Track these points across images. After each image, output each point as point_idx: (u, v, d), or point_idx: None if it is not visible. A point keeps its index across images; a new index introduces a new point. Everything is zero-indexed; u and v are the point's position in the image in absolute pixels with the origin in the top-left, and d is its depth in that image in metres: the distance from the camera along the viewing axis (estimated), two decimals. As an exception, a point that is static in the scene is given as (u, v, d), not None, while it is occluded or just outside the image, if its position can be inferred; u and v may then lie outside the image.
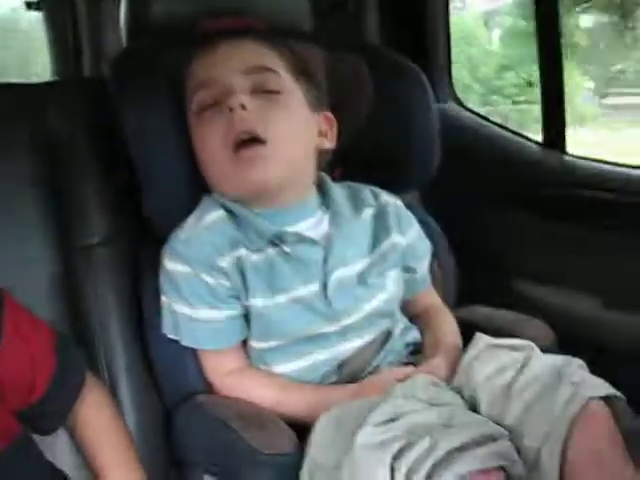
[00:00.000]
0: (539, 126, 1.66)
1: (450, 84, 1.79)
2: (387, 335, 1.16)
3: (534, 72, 1.67)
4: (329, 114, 1.21)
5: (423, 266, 1.28)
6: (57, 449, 1.06)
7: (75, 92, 1.31)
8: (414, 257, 1.25)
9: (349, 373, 1.12)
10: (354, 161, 1.27)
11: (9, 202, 1.17)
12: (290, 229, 1.12)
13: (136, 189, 1.16)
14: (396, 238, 1.20)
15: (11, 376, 0.96)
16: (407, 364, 1.15)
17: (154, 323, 1.14)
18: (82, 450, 1.06)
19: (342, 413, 0.98)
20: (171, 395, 1.15)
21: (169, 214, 1.16)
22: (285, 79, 1.13)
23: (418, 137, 1.32)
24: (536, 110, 1.70)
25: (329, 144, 1.20)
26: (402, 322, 1.21)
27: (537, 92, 1.66)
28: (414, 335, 1.21)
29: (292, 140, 1.11)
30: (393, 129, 1.31)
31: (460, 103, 1.80)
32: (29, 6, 2.53)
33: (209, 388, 1.13)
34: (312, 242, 1.13)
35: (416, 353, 1.20)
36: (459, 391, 1.05)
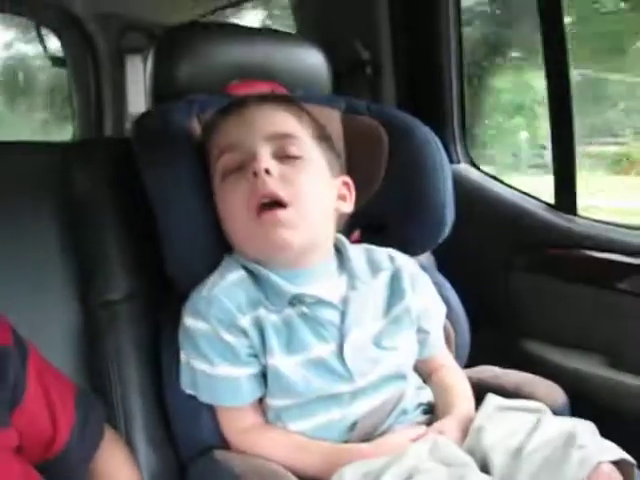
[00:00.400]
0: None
1: (464, 145, 1.82)
2: (400, 396, 1.16)
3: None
4: (347, 179, 1.24)
5: (437, 328, 1.29)
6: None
7: (99, 152, 1.34)
8: (428, 319, 1.26)
9: (362, 433, 1.12)
10: (370, 222, 1.30)
11: (33, 256, 1.21)
12: (309, 291, 1.14)
13: (158, 248, 1.18)
14: (410, 301, 1.21)
15: (32, 429, 0.99)
16: (420, 424, 1.16)
17: (172, 379, 1.16)
18: None
19: (355, 472, 0.99)
20: (187, 449, 1.16)
21: (191, 273, 1.18)
22: (306, 144, 1.16)
23: (432, 198, 1.33)
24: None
25: (348, 208, 1.23)
26: (415, 382, 1.22)
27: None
28: (427, 396, 1.22)
29: (313, 203, 1.14)
30: (408, 190, 1.33)
31: (473, 164, 1.82)
32: (54, 62, 2.61)
33: (225, 443, 1.14)
34: (330, 304, 1.15)
35: (428, 413, 1.20)
36: (471, 452, 1.05)
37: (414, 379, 1.22)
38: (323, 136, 1.21)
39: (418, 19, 1.73)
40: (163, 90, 1.36)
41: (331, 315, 1.14)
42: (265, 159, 1.11)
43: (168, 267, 1.19)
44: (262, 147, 1.12)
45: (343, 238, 1.25)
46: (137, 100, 2.44)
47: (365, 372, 1.13)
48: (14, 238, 1.21)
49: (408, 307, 1.21)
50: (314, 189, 1.14)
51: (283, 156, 1.13)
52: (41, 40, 2.58)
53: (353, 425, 1.12)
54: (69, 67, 2.61)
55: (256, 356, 1.11)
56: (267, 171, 1.10)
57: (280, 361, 1.10)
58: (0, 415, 0.94)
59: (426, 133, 1.37)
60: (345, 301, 1.16)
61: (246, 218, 1.11)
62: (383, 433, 1.13)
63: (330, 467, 1.03)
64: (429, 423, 1.16)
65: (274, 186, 1.10)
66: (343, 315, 1.14)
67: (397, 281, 1.23)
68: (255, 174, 1.10)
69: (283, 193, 1.10)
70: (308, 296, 1.13)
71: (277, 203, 1.10)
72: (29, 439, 0.98)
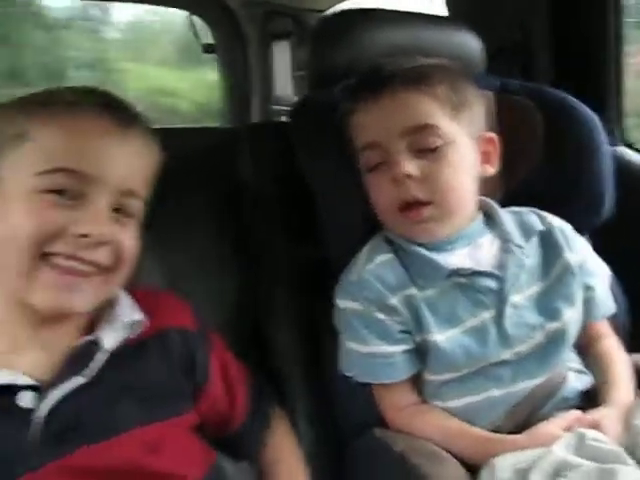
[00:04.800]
0: None
1: (621, 127, 1.75)
2: (562, 378, 1.14)
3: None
4: (491, 135, 1.22)
5: (602, 285, 1.23)
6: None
7: (264, 137, 1.40)
8: (590, 275, 1.20)
9: (520, 417, 1.12)
10: (525, 204, 1.28)
11: (203, 242, 1.28)
12: (464, 262, 1.15)
13: (314, 229, 1.23)
14: (568, 256, 1.18)
15: (212, 411, 1.07)
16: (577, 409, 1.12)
17: (330, 360, 1.20)
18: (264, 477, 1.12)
19: (504, 465, 0.99)
20: (345, 428, 1.20)
21: (346, 252, 1.21)
22: (443, 127, 1.13)
23: (591, 180, 1.30)
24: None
25: (492, 169, 1.22)
26: (576, 364, 1.19)
27: None
28: (587, 380, 1.18)
29: (455, 193, 1.14)
30: (565, 171, 1.30)
31: (631, 146, 1.75)
32: (205, 49, 2.70)
33: (382, 422, 1.17)
34: (486, 273, 1.14)
35: (587, 399, 1.16)
36: (630, 448, 1.01)
37: (576, 360, 1.19)
38: (462, 102, 1.17)
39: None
40: (320, 76, 1.38)
41: (489, 282, 1.14)
42: (404, 163, 1.11)
43: (327, 249, 1.23)
44: (399, 145, 1.12)
45: (493, 203, 1.24)
46: (284, 84, 2.50)
47: (524, 338, 1.12)
48: (187, 223, 1.27)
49: (567, 263, 1.17)
50: (455, 178, 1.14)
51: (421, 149, 1.13)
52: (193, 28, 2.68)
53: (512, 408, 1.12)
54: (219, 53, 2.69)
55: (410, 333, 1.13)
56: (408, 175, 1.11)
57: (439, 336, 1.11)
58: (185, 399, 1.02)
59: (585, 113, 1.33)
60: (501, 266, 1.15)
61: (391, 212, 1.15)
62: (539, 421, 1.10)
63: (483, 456, 1.04)
64: (587, 409, 1.11)
65: (415, 190, 1.11)
66: (501, 281, 1.14)
67: (551, 239, 1.20)
68: (396, 178, 1.12)
69: (424, 194, 1.12)
70: (465, 268, 1.14)
71: (419, 202, 1.12)
72: (209, 420, 1.06)
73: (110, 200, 0.92)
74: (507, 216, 1.22)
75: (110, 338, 0.96)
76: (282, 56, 2.52)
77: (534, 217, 1.23)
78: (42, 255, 0.88)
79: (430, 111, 1.14)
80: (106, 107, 0.95)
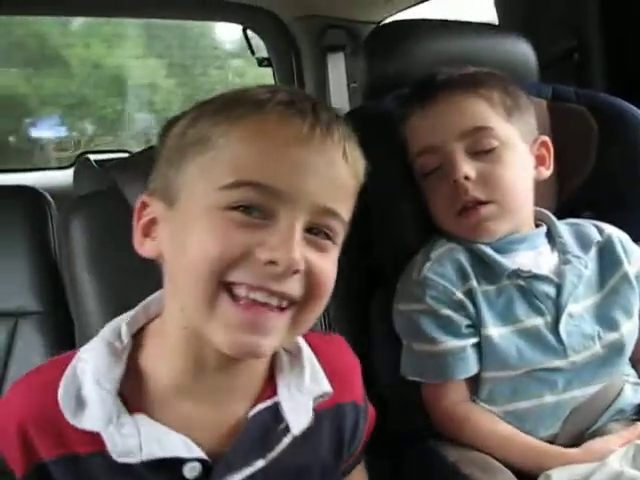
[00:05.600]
0: None
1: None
2: (618, 389, 1.13)
3: None
4: (545, 138, 1.23)
5: None
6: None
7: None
8: None
9: (574, 428, 1.11)
10: (580, 210, 1.27)
11: None
12: (525, 266, 1.14)
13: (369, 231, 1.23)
14: (626, 268, 1.18)
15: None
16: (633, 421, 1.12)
17: (384, 366, 1.20)
18: None
19: (560, 477, 0.98)
20: (398, 436, 1.18)
21: (399, 254, 1.22)
22: (499, 129, 1.15)
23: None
24: None
25: (547, 171, 1.22)
26: (633, 376, 1.18)
27: None
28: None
29: (513, 192, 1.15)
30: (619, 178, 1.30)
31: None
32: (260, 63, 2.74)
33: (432, 428, 1.16)
34: (546, 278, 1.14)
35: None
36: None
37: (633, 372, 1.18)
38: (516, 107, 1.19)
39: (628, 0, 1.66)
40: (373, 87, 1.39)
41: (547, 288, 1.14)
42: (462, 165, 1.13)
43: (377, 250, 1.25)
44: (456, 148, 1.14)
45: (550, 214, 1.24)
46: (339, 96, 2.52)
47: (579, 348, 1.11)
48: None
49: (625, 274, 1.17)
50: (512, 178, 1.15)
51: (478, 151, 1.14)
52: (248, 42, 2.72)
53: (567, 415, 1.11)
54: (274, 66, 2.73)
55: (475, 326, 1.13)
56: (466, 177, 1.12)
57: (494, 331, 1.11)
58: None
59: (638, 117, 1.32)
60: (559, 275, 1.15)
61: (450, 215, 1.16)
62: (594, 435, 1.10)
63: (536, 466, 1.03)
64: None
65: (474, 191, 1.13)
66: (559, 288, 1.14)
67: (609, 250, 1.20)
68: (455, 181, 1.13)
69: (483, 194, 1.13)
70: (525, 271, 1.14)
71: (479, 202, 1.13)
72: None
73: (305, 220, 0.75)
74: (565, 227, 1.22)
75: (302, 415, 0.82)
76: (337, 68, 2.55)
77: (592, 228, 1.22)
78: (223, 284, 0.73)
79: (485, 113, 1.15)
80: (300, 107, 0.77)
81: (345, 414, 0.89)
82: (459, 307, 1.12)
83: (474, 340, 1.12)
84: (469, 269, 1.14)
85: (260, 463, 0.79)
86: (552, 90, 1.40)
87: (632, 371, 1.19)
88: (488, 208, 1.13)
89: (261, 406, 0.82)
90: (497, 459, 1.06)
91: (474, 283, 1.13)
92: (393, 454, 1.19)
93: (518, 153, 1.17)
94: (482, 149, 1.14)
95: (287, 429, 0.81)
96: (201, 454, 0.77)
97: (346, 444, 0.90)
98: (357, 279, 1.27)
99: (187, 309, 0.76)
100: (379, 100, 1.34)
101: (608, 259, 1.19)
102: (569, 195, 1.30)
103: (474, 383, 1.14)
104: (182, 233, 0.75)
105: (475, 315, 1.12)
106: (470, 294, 1.13)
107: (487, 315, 1.12)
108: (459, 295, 1.12)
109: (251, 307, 0.73)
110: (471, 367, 1.13)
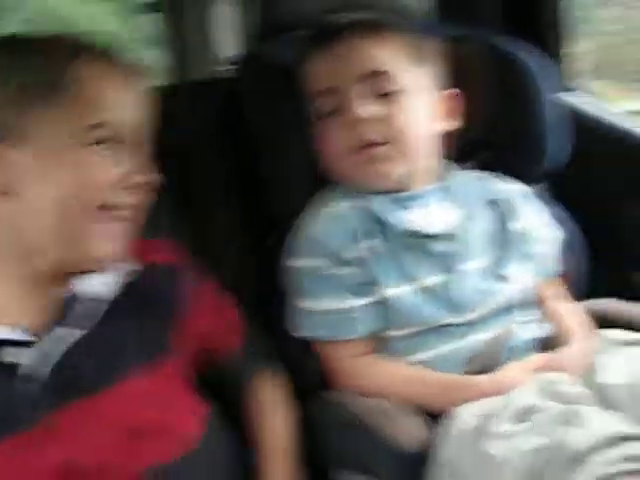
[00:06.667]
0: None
1: (571, 72, 1.73)
2: (513, 330, 1.14)
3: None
4: (450, 91, 1.22)
5: (549, 252, 1.25)
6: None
7: (204, 92, 1.35)
8: (539, 242, 1.23)
9: (476, 369, 1.11)
10: (481, 153, 1.28)
11: None
12: (422, 224, 1.13)
13: (261, 186, 1.20)
14: (518, 224, 1.20)
15: (201, 343, 1.05)
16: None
17: (277, 322, 1.17)
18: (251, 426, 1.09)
19: (470, 414, 0.99)
20: (299, 391, 1.16)
21: (293, 210, 1.18)
22: (401, 74, 1.14)
23: (541, 127, 1.31)
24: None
25: (451, 124, 1.21)
26: (528, 316, 1.19)
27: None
28: (540, 330, 1.19)
29: (412, 136, 1.14)
30: (516, 119, 1.31)
31: (584, 91, 1.73)
32: (146, 8, 2.62)
33: (331, 383, 1.14)
34: (442, 236, 1.14)
35: (544, 349, 1.17)
36: (590, 389, 1.03)
37: (527, 313, 1.20)
38: (420, 56, 1.18)
39: None
40: (265, 29, 1.36)
41: (443, 246, 1.14)
42: (359, 106, 1.11)
43: (270, 203, 1.22)
44: (355, 90, 1.12)
45: (454, 166, 1.24)
46: (225, 41, 2.43)
47: (476, 304, 1.12)
48: None
49: (519, 231, 1.20)
50: (411, 122, 1.13)
51: (378, 94, 1.13)
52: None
53: (468, 360, 1.11)
54: (164, 11, 2.61)
55: (368, 286, 1.11)
56: (363, 118, 1.10)
57: (391, 290, 1.10)
58: (162, 340, 0.99)
59: (533, 60, 1.33)
60: (456, 232, 1.15)
61: (344, 157, 1.13)
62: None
63: (448, 400, 1.03)
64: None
65: (370, 132, 1.11)
66: (455, 246, 1.14)
67: (505, 206, 1.21)
68: (351, 122, 1.10)
69: (380, 136, 1.11)
70: (421, 229, 1.13)
71: (374, 143, 1.11)
72: (197, 356, 1.04)
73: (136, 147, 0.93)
74: (464, 182, 1.22)
75: (101, 286, 0.94)
76: (223, 12, 2.45)
77: (491, 183, 1.24)
78: (98, 207, 0.88)
79: (386, 58, 1.15)
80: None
81: (156, 276, 1.00)
82: (349, 267, 1.10)
83: (367, 300, 1.11)
84: (361, 228, 1.12)
85: (78, 333, 0.90)
86: (450, 31, 1.38)
87: (526, 311, 1.20)
88: (382, 148, 1.12)
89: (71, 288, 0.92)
90: (404, 404, 1.06)
91: (367, 242, 1.12)
92: (296, 408, 1.16)
93: (420, 101, 1.16)
94: (381, 92, 1.13)
95: (99, 301, 0.93)
96: (23, 335, 0.86)
97: (163, 307, 0.99)
98: (255, 235, 1.26)
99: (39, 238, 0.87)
100: (271, 44, 1.31)
101: (506, 215, 1.21)
102: (468, 137, 1.28)
103: (374, 341, 1.13)
104: (43, 171, 0.86)
105: (369, 274, 1.11)
106: (362, 253, 1.11)
107: (383, 274, 1.11)
108: (349, 255, 1.10)
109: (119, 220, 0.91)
110: (364, 326, 1.12)
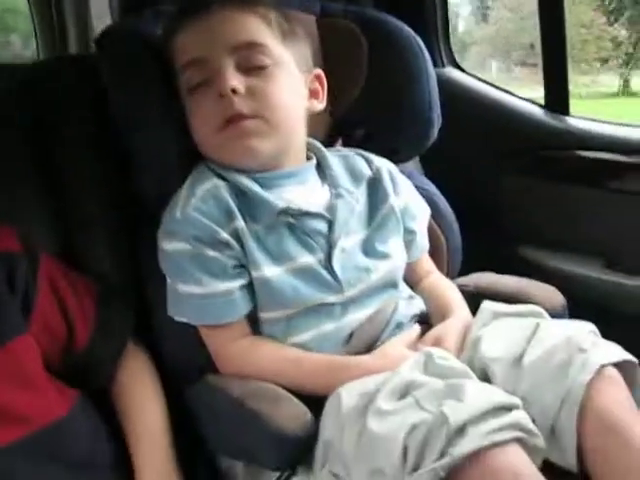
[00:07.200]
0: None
1: (448, 47, 1.75)
2: (394, 307, 1.14)
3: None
4: (319, 72, 1.21)
5: (422, 228, 1.27)
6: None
7: (63, 70, 1.28)
8: (412, 219, 1.24)
9: (360, 345, 1.11)
10: (353, 130, 1.27)
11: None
12: (295, 202, 1.11)
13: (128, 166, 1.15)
14: (393, 202, 1.20)
15: (47, 333, 1.01)
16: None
17: (157, 305, 1.13)
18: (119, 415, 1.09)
19: (350, 393, 0.97)
20: (178, 376, 1.14)
21: (162, 192, 1.14)
22: (273, 48, 1.12)
23: (416, 103, 1.30)
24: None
25: (320, 105, 1.21)
26: (406, 292, 1.20)
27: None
28: (419, 305, 1.20)
29: (282, 112, 1.11)
30: (390, 96, 1.29)
31: (459, 66, 1.76)
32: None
33: (214, 366, 1.11)
34: (316, 215, 1.12)
35: (422, 323, 1.18)
36: (470, 363, 1.03)
37: (405, 288, 1.21)
38: (292, 32, 1.16)
39: None
40: (131, 1, 1.31)
41: (318, 225, 1.12)
42: (230, 78, 1.08)
43: (136, 183, 1.17)
44: (226, 62, 1.09)
45: (322, 147, 1.22)
46: (102, 14, 2.33)
47: (354, 282, 1.11)
48: None
49: (392, 208, 1.20)
50: (282, 97, 1.11)
51: (249, 67, 1.10)
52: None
53: (349, 337, 1.11)
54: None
55: (243, 267, 1.08)
56: (233, 90, 1.07)
57: (266, 271, 1.08)
58: (16, 322, 0.97)
59: (408, 36, 1.32)
60: (331, 210, 1.14)
61: (213, 131, 1.10)
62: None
63: (331, 381, 1.01)
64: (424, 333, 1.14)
65: (240, 105, 1.08)
66: (330, 224, 1.13)
67: (378, 184, 1.22)
68: (221, 93, 1.07)
69: (250, 109, 1.08)
70: (294, 208, 1.11)
71: (243, 116, 1.08)
72: (46, 343, 1.00)
73: None
74: (336, 161, 1.21)
75: None
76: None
77: (362, 161, 1.23)
78: None
79: (259, 31, 1.12)
80: None
81: None
82: (225, 247, 1.07)
83: (243, 281, 1.08)
84: (235, 207, 1.09)
85: None
86: (320, 6, 1.36)
87: (405, 287, 1.22)
88: (252, 122, 1.09)
89: None
90: (287, 388, 1.03)
91: (241, 222, 1.08)
92: (174, 394, 1.13)
93: (291, 77, 1.14)
94: (253, 65, 1.10)
95: None
96: None
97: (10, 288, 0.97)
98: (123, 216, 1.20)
99: None
100: (136, 16, 1.24)
101: (377, 193, 1.21)
102: (341, 113, 1.28)
103: (251, 323, 1.11)
104: None
105: (243, 255, 1.08)
106: (236, 234, 1.08)
107: (257, 255, 1.08)
108: (224, 235, 1.07)
109: None
110: (240, 309, 1.09)
